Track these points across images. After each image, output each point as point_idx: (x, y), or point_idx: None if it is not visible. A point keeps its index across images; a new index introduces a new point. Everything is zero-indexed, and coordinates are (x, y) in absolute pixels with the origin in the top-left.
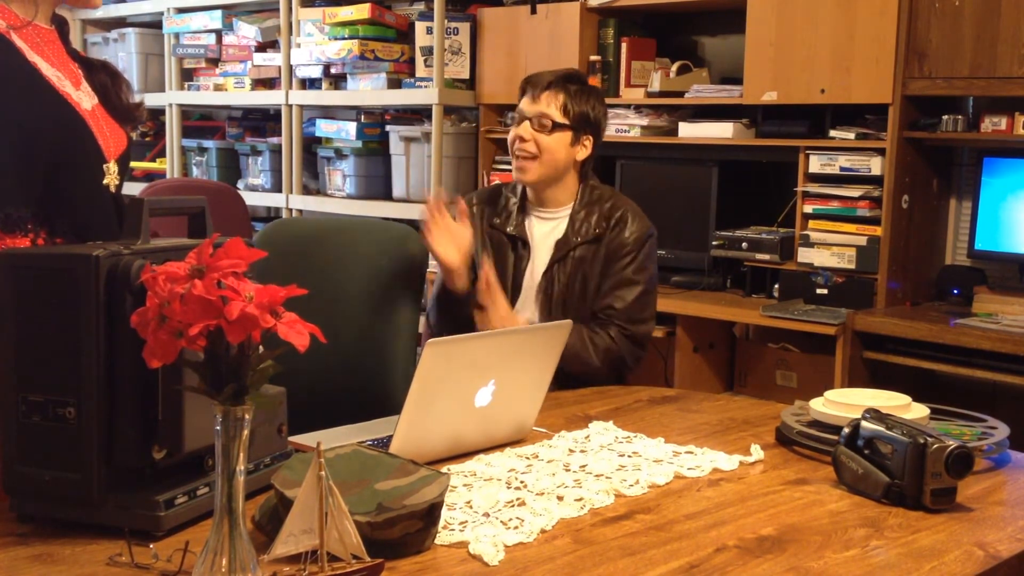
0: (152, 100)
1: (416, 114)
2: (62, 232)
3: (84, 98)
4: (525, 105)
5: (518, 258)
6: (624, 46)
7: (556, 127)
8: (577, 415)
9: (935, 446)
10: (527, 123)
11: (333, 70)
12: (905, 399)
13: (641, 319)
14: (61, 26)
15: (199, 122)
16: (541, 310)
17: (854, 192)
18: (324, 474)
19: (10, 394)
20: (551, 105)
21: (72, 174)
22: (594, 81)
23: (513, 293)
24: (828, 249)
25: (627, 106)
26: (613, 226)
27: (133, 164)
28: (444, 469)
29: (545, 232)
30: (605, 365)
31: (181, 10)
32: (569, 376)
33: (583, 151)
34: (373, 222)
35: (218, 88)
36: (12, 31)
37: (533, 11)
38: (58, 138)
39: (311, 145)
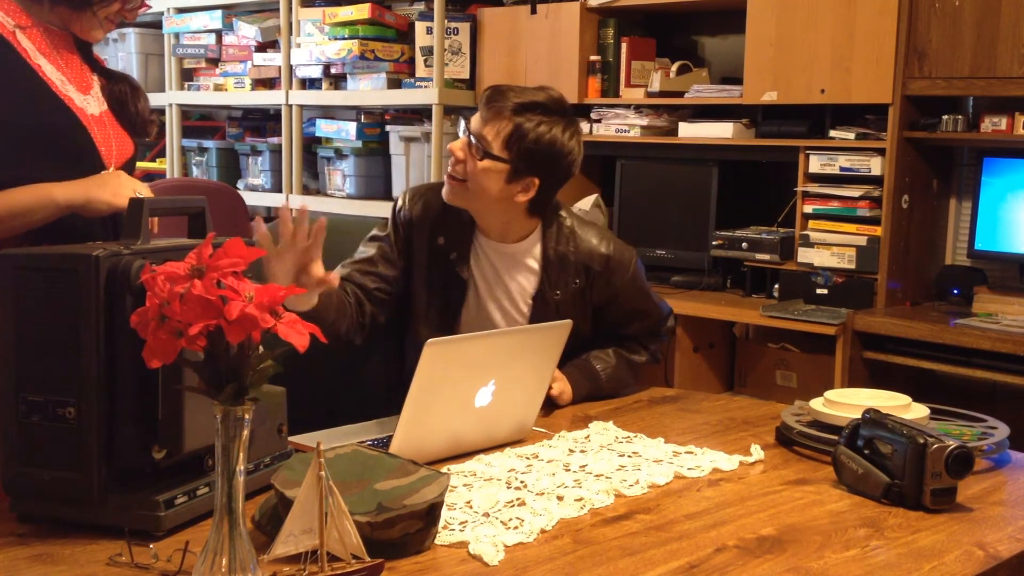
0: (152, 100)
1: (416, 114)
2: (51, 231)
3: (91, 103)
4: (474, 119)
5: (459, 293)
6: (624, 46)
7: (488, 156)
8: (577, 415)
9: (935, 446)
10: (463, 140)
11: (333, 70)
12: (905, 399)
13: (662, 332)
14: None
15: (199, 122)
16: None
17: (854, 192)
18: (324, 474)
19: (10, 394)
20: (496, 132)
21: (64, 176)
22: (594, 81)
23: (444, 329)
24: (828, 249)
25: (627, 106)
26: (597, 274)
27: None
28: (444, 469)
29: (500, 269)
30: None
31: (181, 10)
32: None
33: (524, 194)
34: (373, 222)
35: (218, 88)
36: (19, 30)
37: (533, 11)
38: (52, 139)
39: (311, 145)
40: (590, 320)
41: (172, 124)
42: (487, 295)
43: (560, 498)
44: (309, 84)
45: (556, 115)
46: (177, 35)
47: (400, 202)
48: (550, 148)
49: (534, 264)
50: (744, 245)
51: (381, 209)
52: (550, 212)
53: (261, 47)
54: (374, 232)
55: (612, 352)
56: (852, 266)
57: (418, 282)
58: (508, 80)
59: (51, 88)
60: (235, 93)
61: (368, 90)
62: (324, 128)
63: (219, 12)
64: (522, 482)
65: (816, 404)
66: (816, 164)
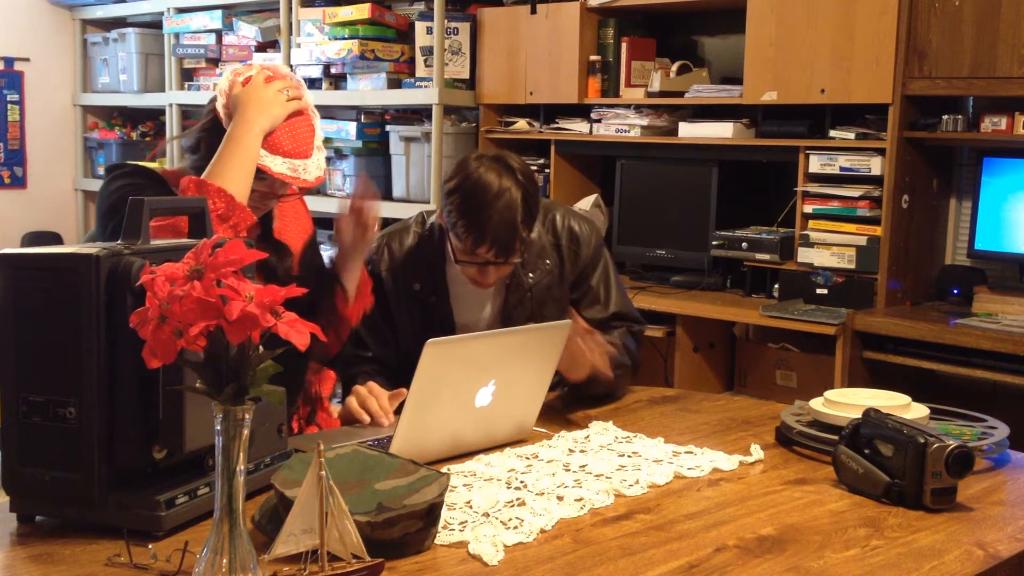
0: (152, 100)
1: (416, 114)
2: None
3: None
4: (488, 257)
5: (447, 325)
6: (624, 46)
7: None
8: (577, 415)
9: (935, 446)
10: (492, 269)
11: (333, 70)
12: (905, 399)
13: (637, 317)
14: None
15: None
16: None
17: (854, 192)
18: (324, 474)
19: (10, 394)
20: (516, 254)
21: None
22: (594, 81)
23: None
24: (828, 249)
25: (627, 106)
26: (567, 248)
27: (132, 164)
28: (444, 469)
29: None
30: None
31: (181, 10)
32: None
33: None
34: None
35: None
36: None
37: (533, 11)
38: None
39: None
40: (567, 296)
41: (172, 124)
42: (471, 307)
43: (560, 498)
44: (309, 84)
45: (531, 205)
46: (177, 35)
47: (368, 257)
48: (536, 214)
49: None
50: (744, 245)
51: (381, 209)
52: None
53: (261, 47)
54: None
55: (617, 335)
56: (852, 266)
57: (404, 322)
58: (508, 80)
59: None
60: None
61: (368, 90)
62: (324, 128)
63: (219, 12)
64: (522, 482)
65: (816, 404)
66: (816, 164)
